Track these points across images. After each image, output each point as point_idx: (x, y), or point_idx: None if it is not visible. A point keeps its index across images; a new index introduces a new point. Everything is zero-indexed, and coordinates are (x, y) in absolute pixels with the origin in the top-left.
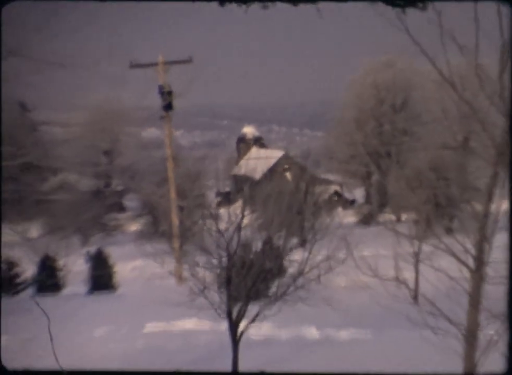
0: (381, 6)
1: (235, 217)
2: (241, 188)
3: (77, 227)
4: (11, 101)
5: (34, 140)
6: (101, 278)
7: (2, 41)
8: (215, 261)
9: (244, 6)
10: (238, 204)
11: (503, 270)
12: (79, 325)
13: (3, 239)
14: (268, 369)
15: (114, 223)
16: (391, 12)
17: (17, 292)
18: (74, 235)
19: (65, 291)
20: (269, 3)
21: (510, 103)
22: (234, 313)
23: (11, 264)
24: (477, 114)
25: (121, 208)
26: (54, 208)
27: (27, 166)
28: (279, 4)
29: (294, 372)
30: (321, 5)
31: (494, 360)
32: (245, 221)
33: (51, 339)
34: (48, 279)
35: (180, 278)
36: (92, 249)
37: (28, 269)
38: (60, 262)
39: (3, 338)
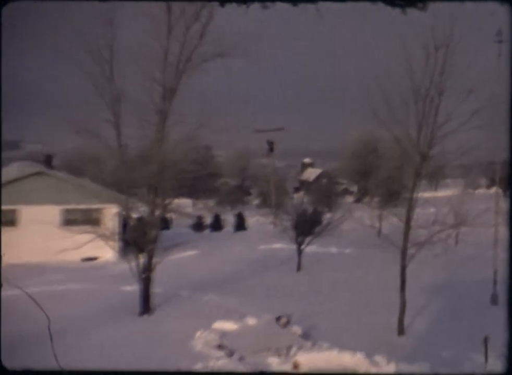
0: (381, 6)
1: (300, 197)
2: (303, 185)
3: (229, 202)
4: (201, 145)
5: (211, 163)
6: (240, 224)
7: None
8: (290, 217)
9: (244, 6)
10: (302, 192)
11: (418, 221)
12: (228, 245)
13: (199, 205)
14: (315, 264)
15: (246, 200)
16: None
17: (202, 230)
18: (228, 205)
19: (224, 230)
20: (269, 3)
21: (511, 109)
22: (299, 241)
23: (200, 218)
24: (407, 153)
25: (249, 193)
26: (220, 193)
27: (209, 175)
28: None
29: (294, 372)
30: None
31: (418, 263)
32: (305, 199)
33: (51, 339)
34: (216, 224)
35: (275, 225)
36: (235, 212)
37: (207, 220)
38: (222, 217)
39: (190, 252)
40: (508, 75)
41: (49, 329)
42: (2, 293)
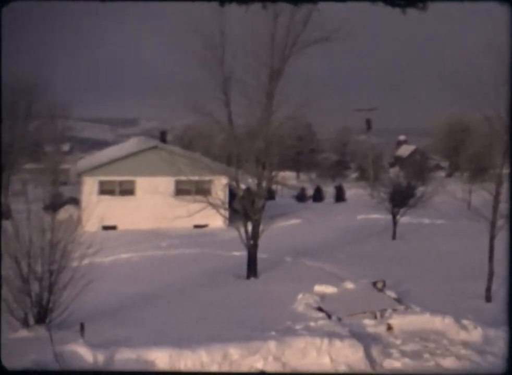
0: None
1: (395, 172)
2: (398, 160)
3: (330, 175)
4: (301, 124)
5: (313, 139)
6: (340, 196)
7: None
8: (387, 190)
9: (244, 6)
10: (397, 167)
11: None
12: (329, 214)
13: (302, 178)
14: (409, 233)
15: (345, 174)
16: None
17: (304, 201)
18: (328, 178)
19: (325, 201)
20: (269, 3)
21: (510, 105)
22: (394, 212)
23: (303, 189)
24: (497, 132)
25: (348, 167)
26: (321, 167)
27: (311, 150)
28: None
29: (294, 372)
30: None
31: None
32: (400, 174)
33: (52, 341)
34: (318, 195)
35: (372, 197)
36: (336, 184)
37: (310, 191)
38: (323, 189)
39: (293, 221)
40: (508, 74)
41: (50, 334)
42: (110, 257)
